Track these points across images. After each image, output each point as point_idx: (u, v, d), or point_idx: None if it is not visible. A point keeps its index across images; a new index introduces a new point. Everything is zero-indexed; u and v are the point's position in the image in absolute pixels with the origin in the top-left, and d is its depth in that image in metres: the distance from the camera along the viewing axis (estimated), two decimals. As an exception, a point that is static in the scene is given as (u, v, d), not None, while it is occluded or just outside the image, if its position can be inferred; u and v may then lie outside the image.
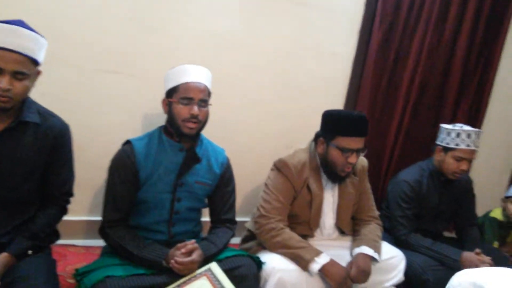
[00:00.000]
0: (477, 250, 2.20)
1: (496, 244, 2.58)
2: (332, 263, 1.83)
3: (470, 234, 2.45)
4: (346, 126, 1.92)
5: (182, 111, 1.69)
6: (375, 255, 1.96)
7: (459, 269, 2.14)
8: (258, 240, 2.02)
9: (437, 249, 2.23)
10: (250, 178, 2.65)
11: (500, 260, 2.27)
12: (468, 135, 2.24)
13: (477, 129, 2.27)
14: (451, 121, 3.13)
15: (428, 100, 3.09)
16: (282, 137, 2.76)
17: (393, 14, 2.82)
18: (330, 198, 2.10)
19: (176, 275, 1.58)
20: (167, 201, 1.77)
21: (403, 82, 2.96)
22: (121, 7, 2.22)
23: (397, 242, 2.30)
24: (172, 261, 1.56)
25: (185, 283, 1.56)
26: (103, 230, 1.72)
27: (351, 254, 2.01)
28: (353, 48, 2.84)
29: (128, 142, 1.77)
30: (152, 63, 2.33)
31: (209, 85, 1.77)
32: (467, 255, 2.18)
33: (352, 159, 1.93)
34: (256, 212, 2.02)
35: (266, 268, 1.79)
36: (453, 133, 2.27)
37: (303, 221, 2.06)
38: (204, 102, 1.72)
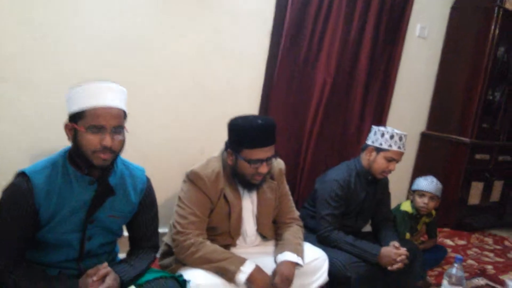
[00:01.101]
0: (395, 244, 2.30)
1: (408, 236, 2.71)
2: (258, 269, 1.78)
3: (387, 228, 2.55)
4: (252, 138, 1.80)
5: (91, 141, 1.38)
6: (299, 260, 1.92)
7: (378, 263, 2.24)
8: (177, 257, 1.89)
9: (358, 245, 2.27)
10: (165, 186, 2.47)
11: (413, 251, 2.38)
12: (400, 138, 2.35)
13: (405, 133, 2.38)
14: (360, 119, 3.27)
15: (337, 100, 3.16)
16: (195, 143, 2.65)
17: (302, 14, 2.83)
18: (249, 206, 2.03)
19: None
20: (75, 241, 1.49)
21: (315, 83, 3.00)
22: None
23: (319, 239, 2.33)
24: None
25: (99, 314, 1.39)
26: None
27: (275, 260, 1.96)
28: (265, 51, 2.81)
29: (23, 175, 1.41)
30: (43, 69, 2.09)
31: (124, 107, 1.47)
32: (385, 249, 2.26)
33: (262, 169, 1.85)
34: (172, 229, 1.89)
35: (192, 286, 1.67)
36: (387, 135, 2.35)
37: (223, 232, 1.97)
38: (118, 128, 1.44)
